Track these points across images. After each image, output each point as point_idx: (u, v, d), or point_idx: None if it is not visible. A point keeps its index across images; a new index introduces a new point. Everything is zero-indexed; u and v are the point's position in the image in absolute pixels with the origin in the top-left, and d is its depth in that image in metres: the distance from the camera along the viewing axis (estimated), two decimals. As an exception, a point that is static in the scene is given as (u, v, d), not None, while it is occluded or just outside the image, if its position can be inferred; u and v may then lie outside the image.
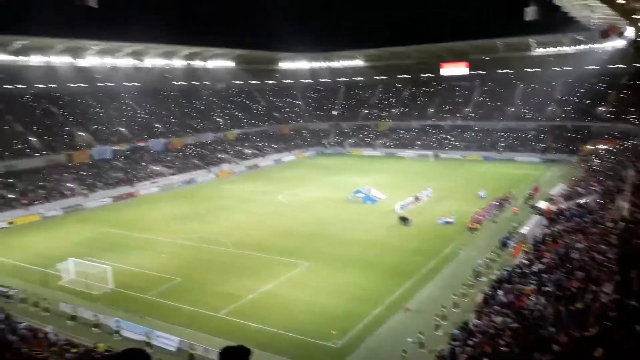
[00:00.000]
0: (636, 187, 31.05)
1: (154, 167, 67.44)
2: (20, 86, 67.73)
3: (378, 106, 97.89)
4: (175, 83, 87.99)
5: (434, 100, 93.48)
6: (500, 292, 23.47)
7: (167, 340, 23.30)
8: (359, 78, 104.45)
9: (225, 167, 74.13)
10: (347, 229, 41.02)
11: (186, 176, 67.66)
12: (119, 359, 2.79)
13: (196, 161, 73.12)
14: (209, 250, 37.34)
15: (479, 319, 21.93)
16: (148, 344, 22.85)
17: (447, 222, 41.29)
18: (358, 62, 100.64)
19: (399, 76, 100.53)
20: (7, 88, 66.48)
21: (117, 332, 24.57)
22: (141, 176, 64.02)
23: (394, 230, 40.73)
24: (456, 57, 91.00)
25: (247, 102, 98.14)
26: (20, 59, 61.91)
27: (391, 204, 47.24)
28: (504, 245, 34.33)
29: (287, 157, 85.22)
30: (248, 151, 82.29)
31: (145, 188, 61.71)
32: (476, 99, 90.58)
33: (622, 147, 57.47)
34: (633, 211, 26.27)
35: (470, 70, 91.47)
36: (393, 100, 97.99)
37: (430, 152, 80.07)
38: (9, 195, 51.65)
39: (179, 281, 31.18)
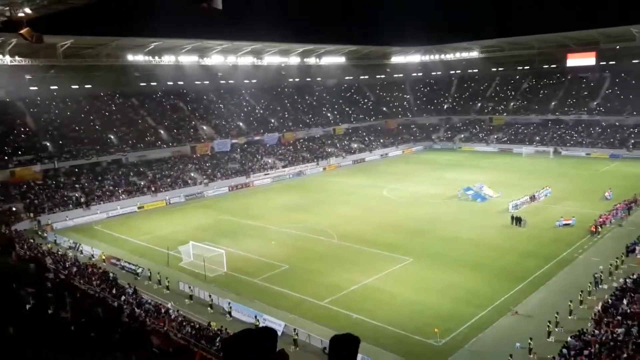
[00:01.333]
0: None
1: (267, 160, 70.76)
2: (153, 84, 74.76)
3: (494, 99, 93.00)
4: (290, 80, 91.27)
5: (556, 93, 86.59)
6: (623, 302, 21.28)
7: (273, 324, 24.41)
8: (473, 70, 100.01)
9: (332, 160, 75.50)
10: (454, 227, 39.71)
11: (296, 169, 70.09)
12: (254, 334, 3.03)
13: (306, 154, 75.35)
14: (315, 240, 38.36)
15: (597, 329, 20.12)
16: (255, 327, 24.15)
17: (566, 225, 38.19)
18: (473, 54, 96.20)
19: (518, 68, 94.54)
20: (142, 85, 73.83)
21: (229, 312, 26.27)
22: (255, 168, 67.57)
23: (506, 231, 38.61)
24: (584, 47, 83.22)
25: (356, 97, 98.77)
26: (154, 59, 68.18)
27: (504, 203, 44.82)
28: (630, 251, 30.97)
29: (394, 152, 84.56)
30: (355, 145, 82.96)
31: (258, 179, 65.06)
32: (605, 92, 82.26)
33: None
34: None
35: (599, 61, 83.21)
36: (510, 93, 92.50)
37: (550, 149, 74.43)
38: (140, 182, 57.44)
39: (286, 268, 32.47)
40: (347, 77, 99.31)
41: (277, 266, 32.89)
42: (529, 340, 20.85)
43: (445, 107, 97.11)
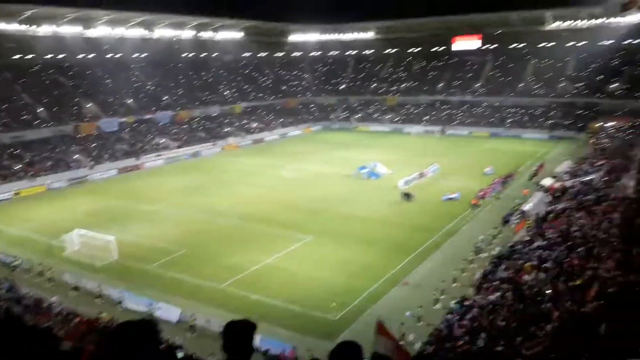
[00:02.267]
0: (644, 165, 30.53)
1: (160, 140, 67.49)
2: (29, 56, 67.41)
3: (387, 80, 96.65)
4: (184, 55, 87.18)
5: (444, 75, 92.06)
6: (500, 268, 23.42)
7: (169, 312, 23.60)
8: (369, 51, 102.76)
9: (231, 140, 74.05)
10: (350, 205, 40.98)
11: (192, 149, 67.71)
12: (124, 329, 2.71)
13: (202, 134, 73.03)
14: (213, 222, 37.54)
15: (477, 294, 21.97)
16: (150, 315, 23.16)
17: (451, 199, 41.09)
18: (369, 34, 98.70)
19: (410, 49, 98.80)
20: (16, 58, 66.22)
21: (120, 302, 24.92)
22: (147, 149, 64.16)
23: (397, 206, 40.63)
24: (470, 30, 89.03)
25: (255, 74, 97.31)
26: (29, 29, 61.31)
27: (396, 180, 47.02)
28: (506, 222, 34.16)
29: (294, 131, 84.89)
30: (254, 125, 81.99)
31: (150, 161, 61.90)
32: (487, 74, 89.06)
33: (631, 125, 56.50)
34: (638, 189, 25.90)
35: (483, 44, 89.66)
36: (403, 74, 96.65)
37: (437, 128, 79.27)
38: (15, 166, 52.05)
39: (184, 252, 31.47)
40: (245, 54, 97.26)
41: (173, 251, 31.73)
42: (418, 309, 22.29)
43: (342, 87, 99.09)
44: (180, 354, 13.55)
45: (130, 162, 60.16)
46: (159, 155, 63.65)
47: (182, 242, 33.28)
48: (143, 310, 23.89)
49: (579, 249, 21.45)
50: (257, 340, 19.24)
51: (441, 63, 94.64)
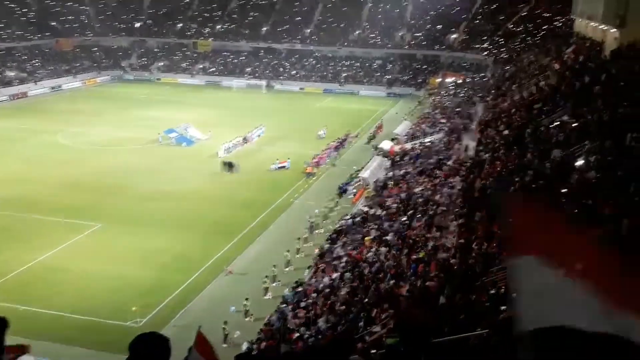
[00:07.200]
0: (483, 125, 35.14)
1: None
2: None
3: (197, 20, 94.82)
4: None
5: (268, 17, 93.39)
6: (337, 245, 25.10)
7: None
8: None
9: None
10: (156, 180, 39.86)
11: None
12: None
13: None
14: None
15: (313, 277, 23.28)
16: None
17: (281, 167, 42.48)
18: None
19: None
20: None
21: None
22: None
23: (217, 178, 40.69)
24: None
25: (10, 5, 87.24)
26: None
27: (214, 146, 46.88)
28: (343, 192, 36.59)
29: (71, 83, 79.81)
30: (12, 74, 74.64)
31: None
32: (317, 19, 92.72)
33: (471, 81, 64.39)
34: (479, 151, 29.79)
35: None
36: (216, 12, 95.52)
37: (263, 82, 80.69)
38: None
39: None
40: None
41: None
42: (245, 302, 22.81)
43: (138, 25, 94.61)
44: None
45: None
46: None
47: None
48: None
49: (421, 218, 24.01)
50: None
51: (264, 2, 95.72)
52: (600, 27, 34.38)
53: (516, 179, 18.90)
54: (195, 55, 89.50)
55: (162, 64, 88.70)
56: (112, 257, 28.24)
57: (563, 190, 16.04)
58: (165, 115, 57.90)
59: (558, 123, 22.56)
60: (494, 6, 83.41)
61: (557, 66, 35.62)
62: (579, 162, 17.11)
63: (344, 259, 23.91)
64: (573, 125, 20.92)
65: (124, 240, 30.18)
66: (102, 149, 47.86)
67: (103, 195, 36.67)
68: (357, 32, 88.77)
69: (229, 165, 41.91)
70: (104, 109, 64.28)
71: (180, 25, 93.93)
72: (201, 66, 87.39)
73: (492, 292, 12.48)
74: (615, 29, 31.18)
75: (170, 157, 45.58)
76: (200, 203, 35.73)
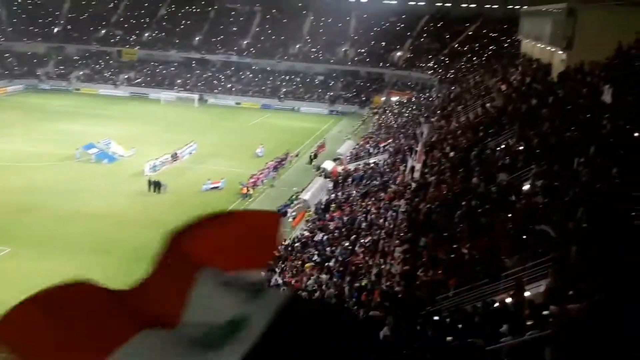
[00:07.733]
0: (429, 146, 36.15)
1: None
2: None
3: (122, 26, 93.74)
4: None
5: (201, 26, 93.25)
6: (275, 273, 25.12)
7: None
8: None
9: None
10: (73, 199, 38.88)
11: None
12: None
13: None
14: None
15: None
16: None
17: (214, 188, 42.22)
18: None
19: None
20: None
21: None
22: None
23: (142, 199, 40.10)
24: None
25: None
26: None
27: (139, 163, 46.20)
28: (282, 214, 36.67)
29: (-22, 92, 76.47)
30: None
31: None
32: (255, 30, 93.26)
33: (416, 101, 66.20)
34: (424, 173, 30.59)
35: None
36: (144, 19, 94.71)
37: (195, 96, 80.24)
38: None
39: None
40: None
41: None
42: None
43: (55, 30, 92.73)
44: None
45: None
46: None
47: None
48: None
49: (364, 243, 24.41)
50: None
51: (197, 10, 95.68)
52: (548, 48, 36.17)
53: (462, 203, 19.55)
54: (120, 64, 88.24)
55: (82, 73, 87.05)
56: (20, 287, 27.11)
57: (509, 215, 16.73)
58: (84, 130, 56.63)
59: (504, 146, 23.53)
60: (440, 24, 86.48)
61: (503, 87, 37.19)
62: (526, 187, 17.86)
63: (282, 288, 23.93)
64: (519, 148, 21.85)
65: (35, 266, 29.16)
66: (13, 165, 46.32)
67: (11, 216, 35.38)
68: (297, 46, 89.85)
69: (157, 185, 41.35)
70: (14, 121, 62.17)
71: (104, 31, 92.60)
72: (126, 76, 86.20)
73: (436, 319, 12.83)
74: (562, 51, 32.84)
75: (89, 175, 44.56)
76: (122, 225, 35.01)
